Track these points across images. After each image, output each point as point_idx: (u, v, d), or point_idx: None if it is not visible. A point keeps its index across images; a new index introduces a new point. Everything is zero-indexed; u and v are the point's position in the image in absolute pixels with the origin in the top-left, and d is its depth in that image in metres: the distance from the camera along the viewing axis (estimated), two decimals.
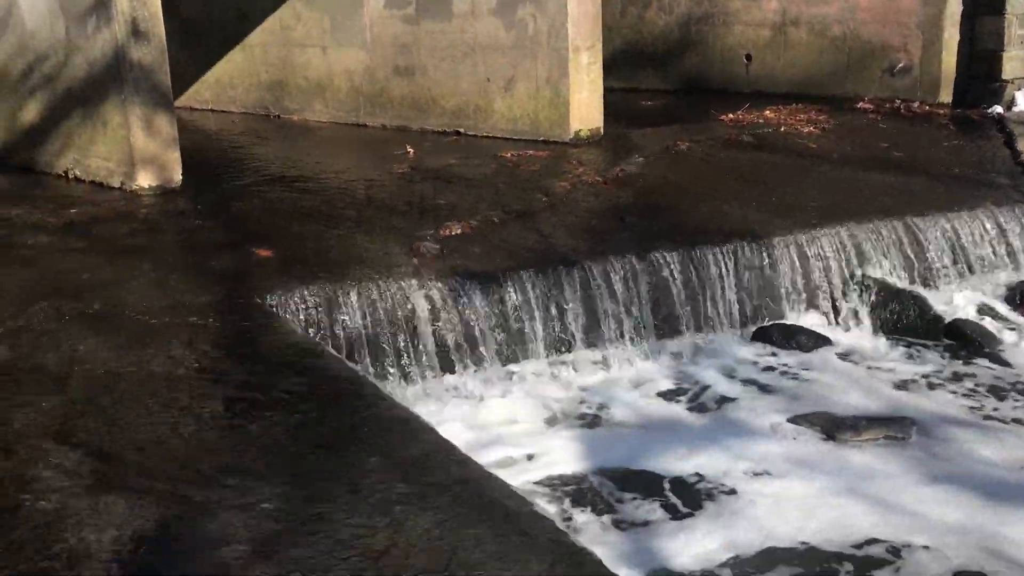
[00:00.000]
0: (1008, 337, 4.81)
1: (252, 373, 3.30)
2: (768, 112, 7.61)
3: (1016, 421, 4.04)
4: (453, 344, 4.34)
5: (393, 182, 5.96)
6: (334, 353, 3.80)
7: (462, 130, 7.26)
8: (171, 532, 2.30)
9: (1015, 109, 7.40)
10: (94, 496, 2.46)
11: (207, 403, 3.03)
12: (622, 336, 4.60)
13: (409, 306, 4.31)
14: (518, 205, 5.39)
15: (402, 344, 4.24)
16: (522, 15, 6.70)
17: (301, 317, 4.10)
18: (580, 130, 6.75)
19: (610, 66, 7.44)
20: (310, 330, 4.07)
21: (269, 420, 2.92)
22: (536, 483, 3.47)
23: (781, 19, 8.62)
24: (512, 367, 4.41)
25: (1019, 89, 7.51)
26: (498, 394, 4.26)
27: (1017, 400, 4.22)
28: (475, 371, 4.34)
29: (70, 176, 5.81)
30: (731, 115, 7.52)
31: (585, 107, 6.75)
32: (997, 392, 4.30)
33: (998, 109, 7.38)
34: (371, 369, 4.12)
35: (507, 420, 4.06)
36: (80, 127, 5.64)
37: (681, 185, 5.91)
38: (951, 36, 7.74)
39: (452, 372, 4.31)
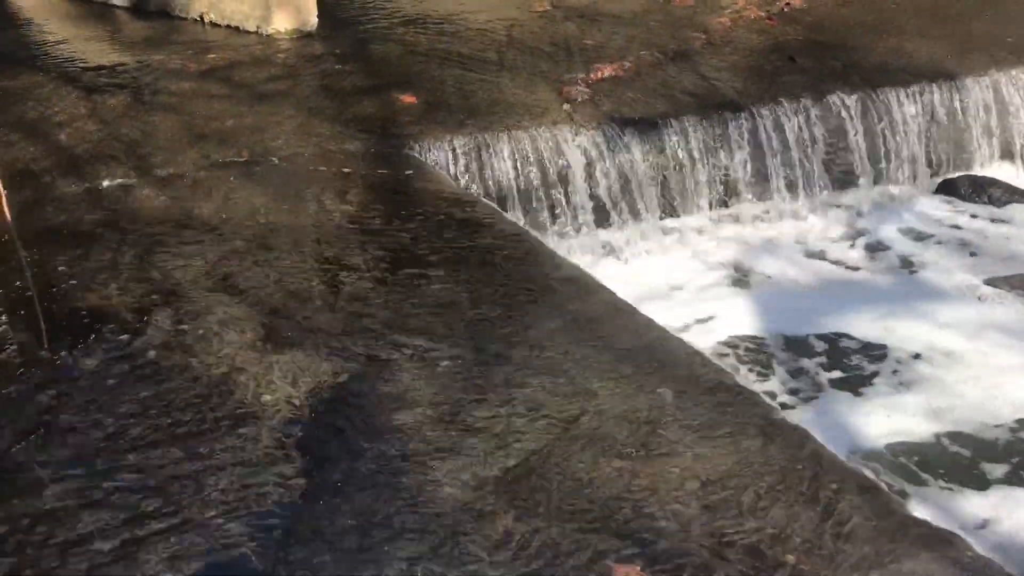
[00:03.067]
0: None
1: (409, 226, 3.12)
2: None
3: None
4: (609, 196, 4.06)
5: (534, 21, 5.55)
6: (492, 205, 3.58)
7: None
8: (349, 391, 2.18)
9: None
10: (264, 352, 2.35)
11: (368, 257, 2.87)
12: (794, 188, 4.21)
13: (562, 156, 4.02)
14: (673, 44, 4.93)
15: (556, 196, 3.98)
16: None
17: (451, 167, 3.88)
18: None
19: None
20: (461, 180, 3.85)
21: (435, 276, 2.74)
22: (713, 347, 3.22)
23: None
24: (671, 222, 4.11)
25: None
26: (657, 250, 4.00)
27: None
28: (633, 225, 4.06)
29: (206, 21, 5.64)
30: None
31: None
32: None
33: None
34: (522, 221, 3.90)
35: (668, 279, 3.81)
36: None
37: (856, 19, 5.29)
38: None
39: (608, 226, 4.05)
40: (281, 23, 5.27)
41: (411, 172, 3.65)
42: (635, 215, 4.08)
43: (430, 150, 3.89)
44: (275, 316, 2.53)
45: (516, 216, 3.88)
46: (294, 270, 2.81)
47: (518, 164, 3.98)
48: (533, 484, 1.89)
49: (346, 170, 3.60)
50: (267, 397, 2.17)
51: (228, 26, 5.51)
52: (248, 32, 5.39)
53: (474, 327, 2.45)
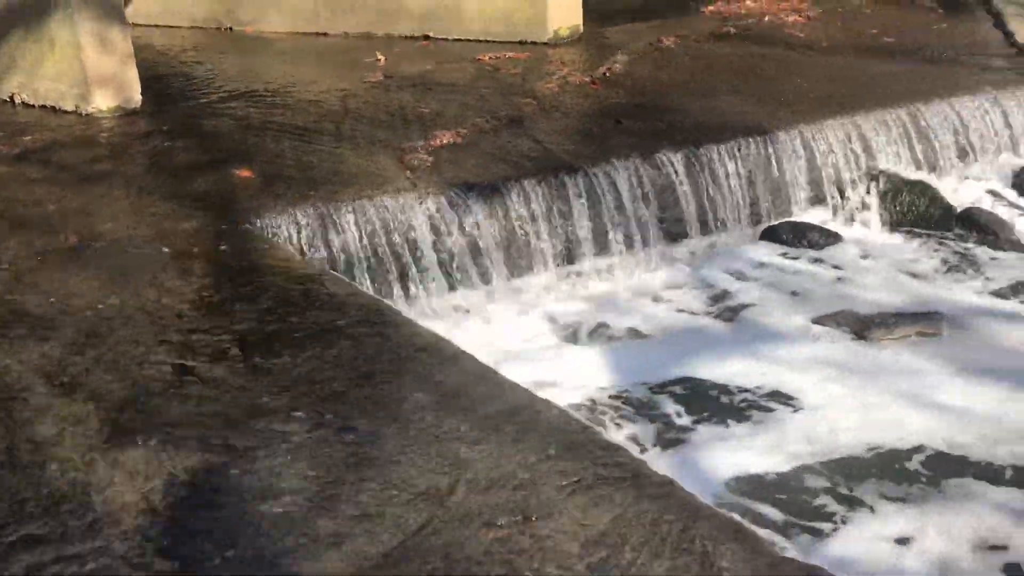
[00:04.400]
0: (1021, 223, 4.70)
1: (258, 305, 3.03)
2: (750, 2, 7.29)
3: None
4: (457, 260, 4.09)
5: (368, 92, 5.59)
6: (340, 277, 3.53)
7: (432, 34, 6.84)
8: (209, 485, 2.07)
9: None
10: (112, 450, 2.20)
11: (216, 340, 2.76)
12: (631, 243, 4.38)
13: (408, 223, 4.03)
14: (507, 110, 5.08)
15: (405, 263, 3.98)
16: None
17: (296, 240, 3.81)
18: (559, 29, 6.38)
19: None
20: (307, 253, 3.79)
21: (290, 355, 2.66)
22: (576, 403, 3.28)
23: None
24: (520, 282, 4.19)
25: None
26: (508, 310, 4.05)
27: None
28: (483, 288, 4.10)
29: (17, 101, 5.34)
30: (711, 7, 7.20)
31: (563, 4, 6.37)
32: (1019, 280, 4.20)
33: None
34: (371, 291, 3.87)
35: (523, 339, 3.86)
36: (24, 47, 5.15)
37: (673, 82, 5.63)
38: None
39: (457, 289, 4.08)
40: (102, 101, 5.06)
41: (254, 248, 3.56)
42: (484, 277, 4.12)
43: (272, 224, 3.81)
44: (120, 411, 2.38)
45: (366, 286, 3.84)
46: (137, 360, 2.66)
47: (364, 233, 3.95)
48: (415, 566, 1.84)
49: (185, 250, 3.47)
50: (119, 500, 2.03)
51: (43, 106, 5.24)
52: (66, 112, 5.15)
53: (337, 405, 2.39)
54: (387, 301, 3.61)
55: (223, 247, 3.50)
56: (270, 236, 3.74)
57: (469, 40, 6.62)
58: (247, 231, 3.70)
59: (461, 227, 4.10)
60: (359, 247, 3.92)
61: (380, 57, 6.27)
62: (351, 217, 3.94)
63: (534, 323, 3.99)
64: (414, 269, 3.99)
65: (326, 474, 2.10)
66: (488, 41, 6.49)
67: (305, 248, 3.81)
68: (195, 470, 2.12)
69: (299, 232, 3.84)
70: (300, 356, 2.66)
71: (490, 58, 6.06)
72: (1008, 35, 6.27)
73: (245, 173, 4.28)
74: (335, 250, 3.87)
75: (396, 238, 3.99)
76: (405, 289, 3.97)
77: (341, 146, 4.63)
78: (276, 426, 2.30)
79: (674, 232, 4.53)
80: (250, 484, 2.07)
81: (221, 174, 4.25)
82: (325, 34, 7.34)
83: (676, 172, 4.54)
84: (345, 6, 7.19)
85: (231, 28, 7.91)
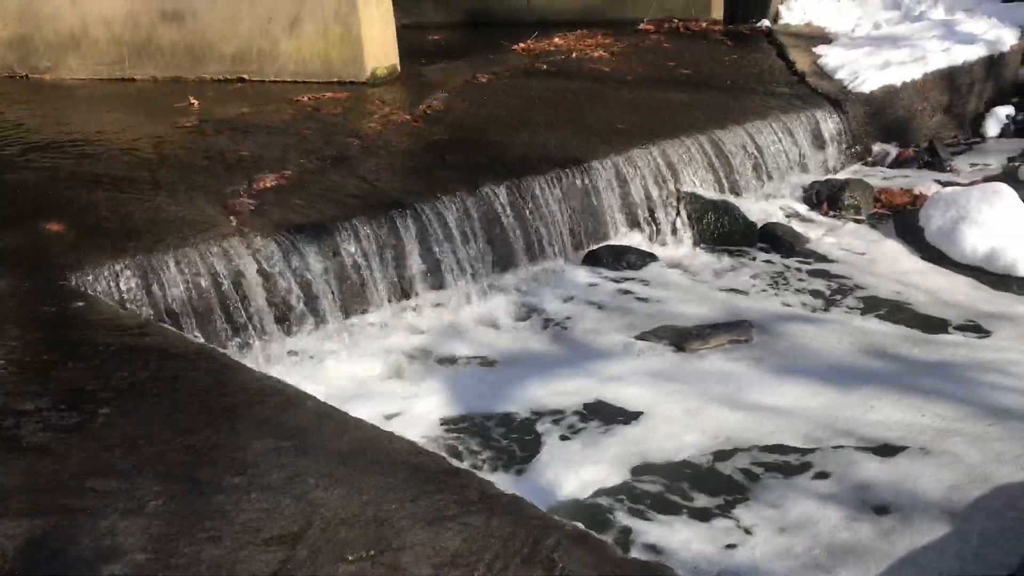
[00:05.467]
0: (813, 234, 5.16)
1: (82, 363, 2.90)
2: (557, 39, 7.65)
3: (839, 309, 4.36)
4: (289, 303, 4.06)
5: (183, 137, 5.45)
6: (168, 327, 3.43)
7: (246, 76, 6.75)
8: (46, 550, 1.97)
9: (781, 22, 7.87)
10: None
11: (40, 403, 2.63)
12: (463, 274, 4.49)
13: (236, 268, 3.97)
14: (330, 151, 5.10)
15: (234, 309, 3.91)
16: None
17: (117, 294, 3.68)
18: (376, 68, 6.47)
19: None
20: (129, 306, 3.66)
21: (122, 411, 2.57)
22: (423, 434, 3.32)
23: None
24: (356, 319, 4.20)
25: (782, 2, 7.98)
26: (346, 350, 4.05)
27: (834, 291, 4.55)
28: (316, 329, 4.09)
29: None
30: (522, 45, 7.49)
31: (379, 43, 6.47)
32: (815, 286, 4.61)
33: (766, 23, 7.82)
34: (200, 339, 3.77)
35: (363, 376, 3.87)
36: None
37: (491, 117, 5.82)
38: None
39: (292, 333, 4.05)
40: None
41: (73, 304, 3.40)
42: (319, 319, 4.11)
43: (90, 278, 3.66)
44: None
45: (195, 335, 3.75)
46: None
47: (190, 282, 3.86)
48: None
49: None
50: None
51: None
52: None
53: (178, 458, 2.34)
54: (220, 349, 3.54)
55: (40, 306, 3.33)
56: (88, 291, 3.59)
57: (286, 81, 6.59)
58: (62, 287, 3.54)
59: (292, 269, 4.08)
60: (185, 296, 3.83)
61: (193, 101, 6.14)
62: (174, 266, 3.84)
63: (373, 360, 4.01)
64: (245, 315, 3.93)
65: (170, 530, 2.05)
66: (306, 82, 6.49)
67: (127, 301, 3.68)
68: (29, 538, 2.02)
69: (119, 285, 3.70)
70: (132, 411, 2.57)
71: (309, 99, 6.05)
72: (790, 64, 6.88)
73: (55, 227, 4.08)
74: (159, 301, 3.76)
75: (224, 285, 3.91)
76: (238, 336, 3.90)
77: (159, 194, 4.49)
78: (113, 484, 2.22)
79: (503, 262, 4.68)
80: (88, 548, 2.00)
81: (29, 229, 4.03)
82: (132, 79, 7.10)
83: (501, 204, 4.70)
84: (151, 49, 6.99)
85: (27, 76, 7.51)
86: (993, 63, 6.92)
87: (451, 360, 4.02)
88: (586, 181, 5.02)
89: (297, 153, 5.05)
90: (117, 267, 3.76)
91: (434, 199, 4.54)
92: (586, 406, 3.54)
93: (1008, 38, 7.09)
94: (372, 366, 3.97)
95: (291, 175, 4.72)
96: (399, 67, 6.65)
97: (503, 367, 3.97)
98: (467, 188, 4.66)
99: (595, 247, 4.98)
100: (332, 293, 4.16)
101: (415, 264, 4.38)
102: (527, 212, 4.77)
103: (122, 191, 4.53)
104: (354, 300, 4.23)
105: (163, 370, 2.84)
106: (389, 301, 4.31)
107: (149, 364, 2.89)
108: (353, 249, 4.23)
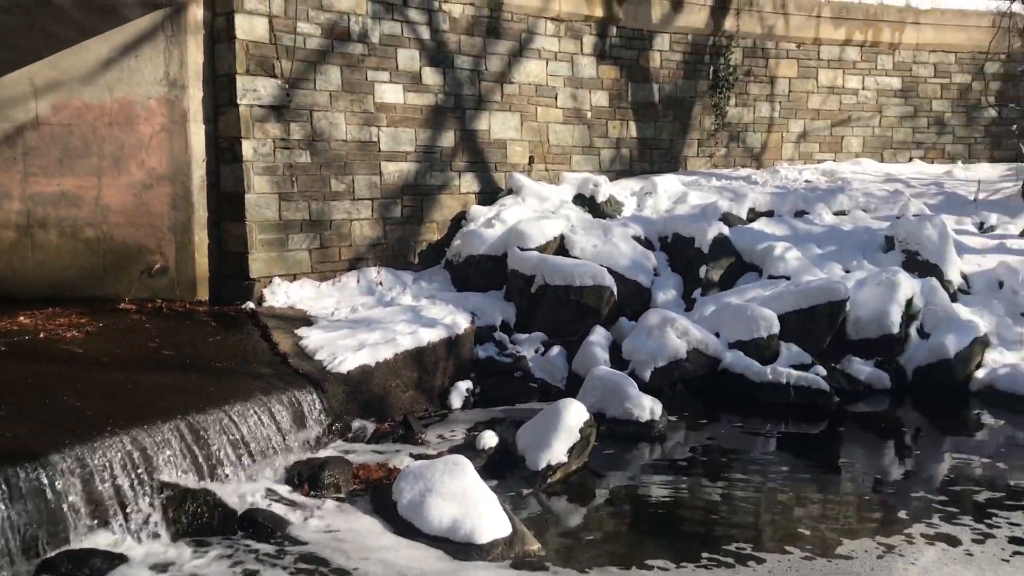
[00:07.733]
0: (295, 517, 5.13)
1: None
2: (23, 318, 7.06)
3: None
4: None
5: None
6: None
7: None
8: None
9: (265, 304, 8.18)
10: None
11: None
12: None
13: None
14: None
15: None
16: None
17: None
18: None
19: None
20: None
21: None
22: None
23: (27, 220, 8.19)
24: None
25: (266, 287, 8.34)
26: None
27: (311, 574, 4.51)
28: None
29: None
30: None
31: None
32: (296, 571, 4.53)
33: (251, 305, 8.07)
34: None
35: None
36: None
37: None
38: (202, 239, 8.30)
39: None
40: None
41: None
42: None
43: None
44: None
45: None
46: None
47: None
48: None
49: None
50: None
51: None
52: None
53: None
54: None
55: None
56: None
57: None
58: None
59: None
60: None
61: None
62: None
63: None
64: None
65: None
66: None
67: None
68: None
69: None
70: None
71: None
72: (273, 346, 7.11)
73: None
74: None
75: None
76: None
77: None
78: None
79: None
80: None
81: None
82: None
83: None
84: None
85: None
86: (452, 343, 7.86)
87: None
88: (43, 477, 4.50)
89: None
90: None
91: None
92: None
93: (463, 322, 8.15)
94: None
95: None
96: None
97: None
98: None
99: (52, 554, 4.41)
100: None
101: None
102: None
103: None
104: None
105: None
106: None
107: None
108: None
